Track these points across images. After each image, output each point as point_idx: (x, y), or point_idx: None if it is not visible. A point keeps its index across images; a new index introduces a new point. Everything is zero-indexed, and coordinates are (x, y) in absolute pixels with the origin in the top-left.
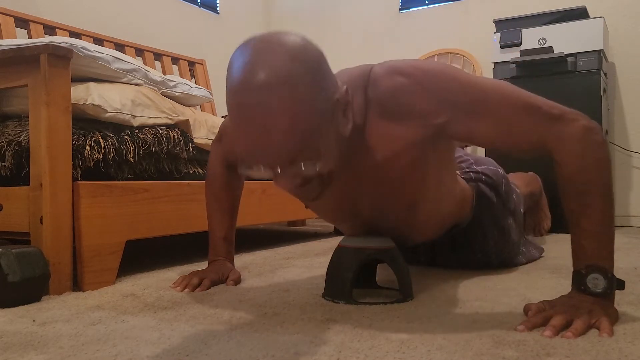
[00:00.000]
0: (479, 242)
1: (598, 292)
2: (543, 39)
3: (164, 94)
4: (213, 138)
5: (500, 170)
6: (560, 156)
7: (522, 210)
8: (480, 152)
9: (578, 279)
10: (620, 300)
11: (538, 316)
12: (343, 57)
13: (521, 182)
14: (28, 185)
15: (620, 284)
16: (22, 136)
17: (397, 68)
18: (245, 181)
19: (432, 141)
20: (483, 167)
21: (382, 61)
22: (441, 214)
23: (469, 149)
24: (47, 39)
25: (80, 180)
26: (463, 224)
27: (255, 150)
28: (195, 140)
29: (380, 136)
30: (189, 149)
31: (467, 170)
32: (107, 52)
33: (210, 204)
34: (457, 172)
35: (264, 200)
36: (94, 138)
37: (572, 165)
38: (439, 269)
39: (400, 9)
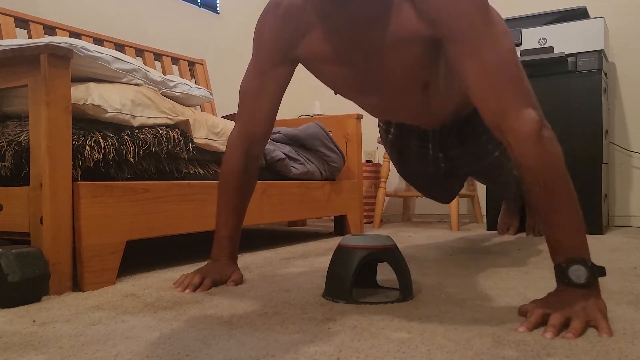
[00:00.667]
0: (483, 128)
1: (582, 283)
2: (543, 39)
3: (164, 94)
4: (214, 138)
5: None
6: (516, 149)
7: None
8: None
9: (560, 273)
10: (620, 300)
11: (536, 315)
12: None
13: None
14: (28, 185)
15: (602, 271)
16: (22, 136)
17: None
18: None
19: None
20: None
21: None
22: (452, 98)
23: None
24: (47, 39)
25: (80, 180)
26: (470, 108)
27: None
28: (195, 140)
29: (397, 15)
30: (189, 149)
31: None
32: (107, 52)
33: (221, 201)
34: None
35: (264, 200)
36: (94, 138)
37: (528, 158)
38: (438, 269)
39: None
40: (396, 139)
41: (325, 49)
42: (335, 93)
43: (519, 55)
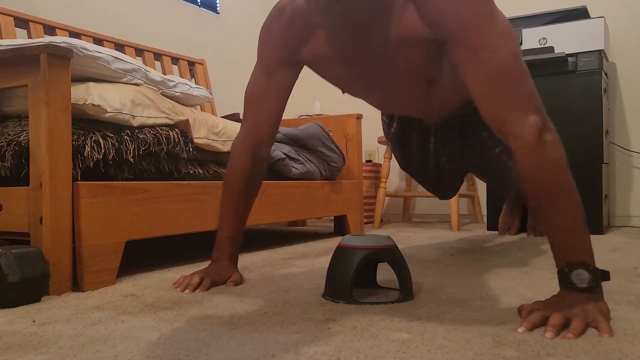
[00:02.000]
0: (484, 123)
1: (584, 287)
2: (544, 38)
3: (164, 94)
4: (213, 138)
5: None
6: (517, 155)
7: None
8: None
9: (563, 277)
10: (620, 300)
11: (536, 315)
12: None
13: None
14: (28, 185)
15: (605, 275)
16: (22, 136)
17: None
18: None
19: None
20: None
21: None
22: (456, 92)
23: None
24: (47, 39)
25: (80, 180)
26: (473, 103)
27: None
28: (195, 140)
29: (400, 17)
30: (189, 149)
31: None
32: (107, 52)
33: (225, 202)
34: None
35: (264, 200)
36: (93, 138)
37: (527, 165)
38: (438, 270)
39: None
40: (398, 132)
41: (330, 50)
42: (343, 92)
43: None
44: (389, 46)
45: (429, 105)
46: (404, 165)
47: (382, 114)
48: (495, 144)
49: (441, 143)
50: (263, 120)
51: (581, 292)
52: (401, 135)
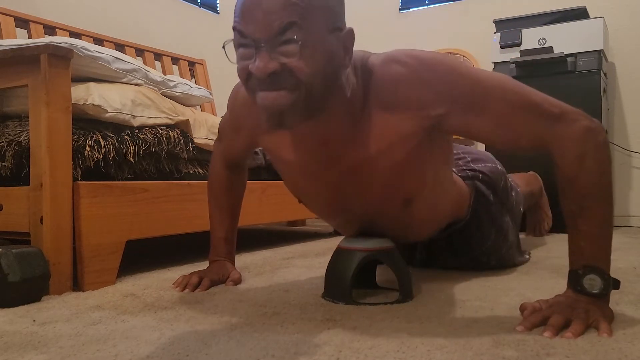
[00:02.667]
0: (476, 241)
1: (594, 293)
2: (543, 39)
3: (164, 94)
4: (213, 138)
5: (499, 166)
6: (559, 158)
7: (521, 209)
8: (480, 146)
9: (574, 279)
10: (620, 300)
11: (536, 315)
12: None
13: (521, 182)
14: (28, 185)
15: (616, 284)
16: (22, 136)
17: (394, 57)
18: (246, 181)
19: (428, 134)
20: (480, 165)
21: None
22: (438, 212)
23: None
24: (47, 39)
25: (80, 180)
26: (460, 222)
27: (249, 11)
28: (195, 140)
29: (374, 126)
30: (189, 149)
31: (464, 168)
32: (107, 52)
33: (211, 204)
34: (454, 169)
35: (264, 200)
36: (94, 138)
37: (572, 167)
38: (437, 270)
39: (400, 9)
40: None
41: (293, 158)
42: (300, 202)
43: (518, 56)
44: (362, 162)
45: (404, 228)
46: None
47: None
48: (490, 258)
49: (428, 260)
50: (234, 152)
51: (589, 296)
52: None
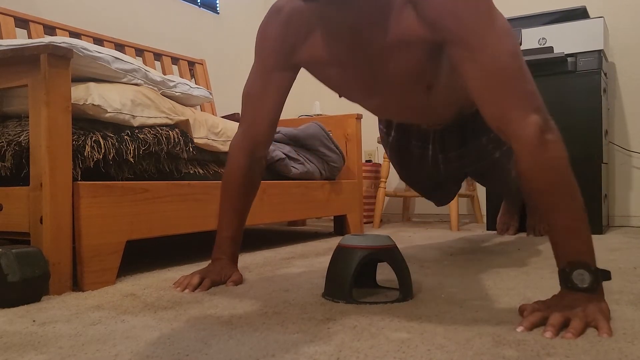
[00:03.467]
0: (484, 127)
1: (585, 287)
2: (543, 39)
3: (164, 94)
4: (214, 138)
5: None
6: (518, 154)
7: None
8: None
9: (564, 277)
10: (620, 300)
11: (536, 315)
12: None
13: None
14: (28, 185)
15: (606, 275)
16: (22, 136)
17: None
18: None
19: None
20: None
21: None
22: (454, 97)
23: None
24: (47, 39)
25: (80, 180)
26: (472, 108)
27: None
28: (195, 140)
29: (399, 17)
30: (189, 149)
31: None
32: (107, 52)
33: (223, 201)
34: None
35: (264, 200)
36: (94, 138)
37: (527, 165)
38: (438, 269)
39: None
40: (396, 141)
41: (327, 52)
42: (340, 96)
43: None
44: (387, 49)
45: (428, 110)
46: (403, 175)
47: (380, 123)
48: (495, 147)
49: (440, 150)
50: (260, 121)
51: (582, 292)
52: (400, 144)
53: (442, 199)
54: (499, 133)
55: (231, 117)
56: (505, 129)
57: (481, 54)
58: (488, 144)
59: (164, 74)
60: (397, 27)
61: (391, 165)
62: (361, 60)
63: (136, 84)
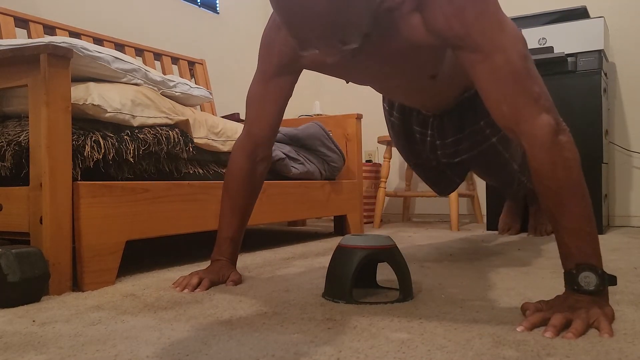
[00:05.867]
0: (482, 110)
1: (591, 290)
2: (543, 39)
3: (163, 94)
4: (213, 138)
5: None
6: (530, 154)
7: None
8: None
9: (570, 279)
10: (620, 300)
11: (537, 316)
12: None
13: None
14: (28, 185)
15: (612, 280)
16: (22, 136)
17: None
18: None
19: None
20: None
21: None
22: (455, 83)
23: None
24: (47, 39)
25: (80, 180)
26: (471, 90)
27: (298, 23)
28: (195, 140)
29: (407, 21)
30: (189, 149)
31: None
32: (107, 52)
33: (224, 202)
34: None
35: (264, 200)
36: (93, 138)
37: (540, 163)
38: (438, 270)
39: None
40: (399, 120)
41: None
42: (347, 82)
43: None
44: (393, 52)
45: (430, 97)
46: (402, 153)
47: (384, 101)
48: (492, 133)
49: (439, 136)
50: (262, 124)
51: (587, 294)
52: (401, 124)
53: (440, 187)
54: (509, 132)
55: (231, 117)
56: (517, 129)
57: (494, 56)
58: (486, 128)
59: (164, 73)
60: (405, 34)
61: (391, 165)
62: (367, 63)
63: (136, 84)
